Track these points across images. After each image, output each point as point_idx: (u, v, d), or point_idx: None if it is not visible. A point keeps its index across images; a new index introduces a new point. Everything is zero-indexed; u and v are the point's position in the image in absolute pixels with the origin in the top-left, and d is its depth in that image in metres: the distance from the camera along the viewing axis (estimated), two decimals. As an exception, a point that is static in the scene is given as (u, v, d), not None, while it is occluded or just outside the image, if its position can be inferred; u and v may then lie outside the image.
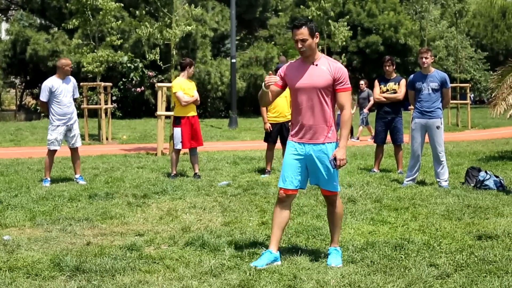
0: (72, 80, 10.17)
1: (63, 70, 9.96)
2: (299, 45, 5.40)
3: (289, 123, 7.97)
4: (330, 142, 5.47)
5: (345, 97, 5.47)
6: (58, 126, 9.95)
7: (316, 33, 5.44)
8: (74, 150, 10.22)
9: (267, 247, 5.65)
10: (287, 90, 5.79)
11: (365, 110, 19.57)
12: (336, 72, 5.42)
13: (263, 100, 5.72)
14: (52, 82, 9.91)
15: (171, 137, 11.66)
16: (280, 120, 10.79)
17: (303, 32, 5.37)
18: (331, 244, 5.70)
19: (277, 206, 5.59)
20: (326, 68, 5.43)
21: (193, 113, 10.64)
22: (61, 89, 9.90)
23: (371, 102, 18.76)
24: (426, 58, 9.49)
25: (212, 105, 32.59)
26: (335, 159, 5.34)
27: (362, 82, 20.22)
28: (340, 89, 5.45)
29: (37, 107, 28.61)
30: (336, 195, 5.60)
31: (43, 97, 9.96)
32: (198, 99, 10.69)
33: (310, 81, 5.42)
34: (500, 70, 13.26)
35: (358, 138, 19.31)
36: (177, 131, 10.58)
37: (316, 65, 5.46)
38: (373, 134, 13.31)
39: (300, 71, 5.49)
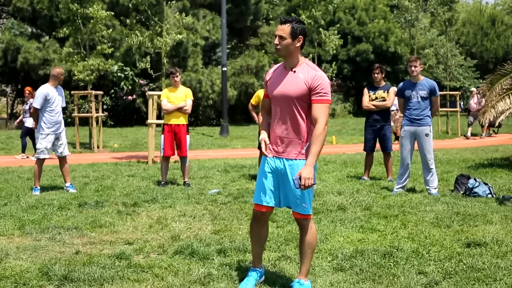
0: (61, 89, 10.25)
1: (58, 79, 10.04)
2: (276, 42, 4.81)
3: None
4: (303, 159, 4.82)
5: (320, 110, 4.72)
6: (48, 134, 9.94)
7: (300, 36, 4.79)
8: (62, 159, 10.19)
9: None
10: None
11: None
12: (312, 80, 4.74)
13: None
14: (47, 89, 9.94)
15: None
16: None
17: (284, 29, 4.76)
18: (298, 275, 5.04)
19: (254, 224, 5.08)
20: (303, 76, 4.78)
21: (175, 120, 10.60)
22: (54, 98, 9.95)
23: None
24: (415, 66, 9.54)
25: (204, 113, 32.62)
26: (299, 177, 4.64)
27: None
28: (315, 100, 4.73)
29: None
30: (307, 220, 4.92)
31: (38, 104, 9.85)
32: (186, 108, 10.57)
33: (284, 90, 4.81)
34: (489, 77, 13.30)
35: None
36: (161, 138, 10.75)
37: (294, 72, 4.83)
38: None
39: (278, 78, 4.91)
